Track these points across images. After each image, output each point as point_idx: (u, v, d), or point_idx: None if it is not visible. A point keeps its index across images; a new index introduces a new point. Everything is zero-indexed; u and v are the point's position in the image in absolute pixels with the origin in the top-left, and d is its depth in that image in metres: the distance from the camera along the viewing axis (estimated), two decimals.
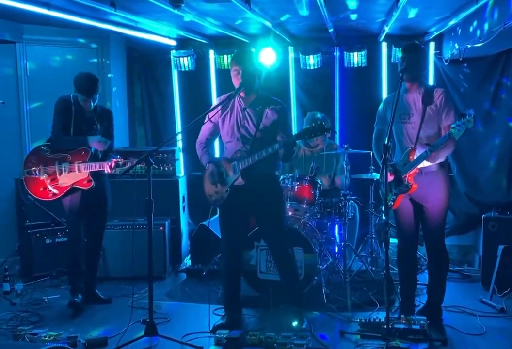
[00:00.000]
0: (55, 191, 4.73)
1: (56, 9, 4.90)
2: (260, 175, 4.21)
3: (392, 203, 4.07)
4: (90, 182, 4.69)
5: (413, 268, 4.43)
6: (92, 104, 4.74)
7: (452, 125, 3.76)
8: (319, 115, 5.78)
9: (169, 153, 6.19)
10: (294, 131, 5.81)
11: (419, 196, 4.14)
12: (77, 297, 4.80)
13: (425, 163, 4.01)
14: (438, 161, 4.03)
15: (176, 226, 6.10)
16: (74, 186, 4.70)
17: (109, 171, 4.68)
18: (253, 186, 4.20)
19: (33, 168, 4.76)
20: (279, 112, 4.23)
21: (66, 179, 4.70)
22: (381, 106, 4.41)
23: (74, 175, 4.69)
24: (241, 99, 4.29)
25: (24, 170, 4.80)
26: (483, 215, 5.36)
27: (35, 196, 4.81)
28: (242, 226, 4.46)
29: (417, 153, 4.01)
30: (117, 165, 4.67)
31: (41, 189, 4.75)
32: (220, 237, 5.67)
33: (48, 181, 4.73)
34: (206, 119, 4.31)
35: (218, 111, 4.30)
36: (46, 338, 3.96)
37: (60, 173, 4.71)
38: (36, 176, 4.75)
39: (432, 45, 6.32)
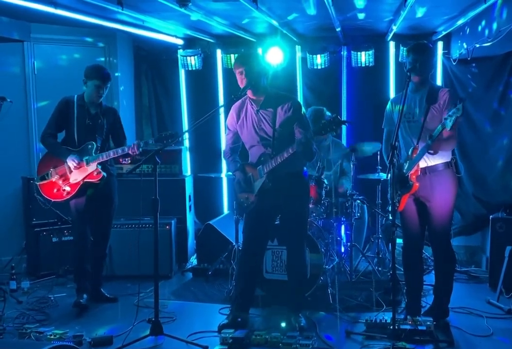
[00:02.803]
0: (68, 189, 4.74)
1: (63, 8, 4.91)
2: (285, 175, 4.17)
3: (397, 204, 4.04)
4: (100, 173, 4.70)
5: (419, 268, 4.40)
6: (104, 92, 4.76)
7: (445, 116, 3.75)
8: (328, 113, 5.75)
9: (175, 152, 6.19)
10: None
11: (424, 196, 4.12)
12: (82, 298, 4.80)
13: (430, 161, 4.01)
14: (441, 151, 3.97)
15: (182, 225, 6.09)
16: (85, 180, 4.70)
17: (136, 152, 4.58)
18: (279, 186, 4.17)
19: (45, 172, 4.82)
20: (291, 108, 4.16)
21: (77, 175, 4.71)
22: (388, 106, 4.39)
23: (83, 169, 4.70)
24: (252, 102, 4.26)
25: (37, 176, 4.86)
26: (491, 216, 5.34)
27: (51, 199, 4.84)
28: (267, 231, 4.42)
29: (419, 151, 3.99)
30: (138, 145, 4.56)
31: (55, 190, 4.79)
32: (227, 237, 5.74)
33: (60, 182, 4.76)
34: (227, 130, 4.42)
35: (234, 119, 4.34)
36: (52, 337, 3.96)
37: (71, 171, 4.73)
38: (49, 180, 4.80)
39: (440, 44, 6.29)
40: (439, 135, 3.82)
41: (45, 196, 4.86)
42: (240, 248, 4.94)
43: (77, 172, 4.71)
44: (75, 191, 4.73)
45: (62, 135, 4.88)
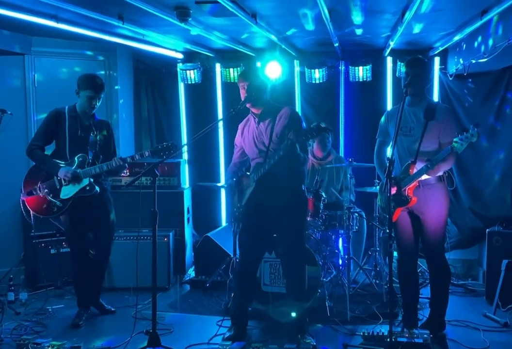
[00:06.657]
0: (59, 204, 4.58)
1: (64, 22, 4.96)
2: (281, 189, 4.16)
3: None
4: (93, 188, 4.59)
5: (413, 280, 4.40)
6: (97, 103, 4.63)
7: (455, 139, 3.77)
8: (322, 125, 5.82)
9: (174, 165, 6.23)
10: None
11: (418, 209, 4.15)
12: (81, 320, 4.72)
13: (424, 176, 4.04)
14: (438, 174, 4.05)
15: (180, 237, 6.12)
16: (78, 195, 4.58)
17: (126, 164, 4.59)
18: (275, 201, 4.17)
19: (33, 187, 4.65)
20: (287, 116, 4.24)
21: (68, 190, 4.58)
22: (383, 118, 4.44)
23: (76, 184, 4.57)
24: (254, 116, 4.34)
25: (24, 191, 4.69)
26: (488, 230, 5.38)
27: (40, 215, 4.67)
28: (263, 242, 4.42)
29: (417, 166, 4.02)
30: (132, 158, 4.56)
31: (44, 206, 4.61)
32: (225, 249, 5.76)
33: (49, 197, 4.59)
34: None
35: (239, 136, 4.44)
36: (49, 348, 3.94)
37: (61, 186, 4.59)
38: (37, 195, 4.63)
39: (437, 60, 6.37)
40: (445, 157, 3.87)
41: (33, 212, 4.66)
42: (237, 261, 4.95)
43: (68, 187, 4.58)
44: (67, 206, 4.58)
45: (51, 148, 4.77)
